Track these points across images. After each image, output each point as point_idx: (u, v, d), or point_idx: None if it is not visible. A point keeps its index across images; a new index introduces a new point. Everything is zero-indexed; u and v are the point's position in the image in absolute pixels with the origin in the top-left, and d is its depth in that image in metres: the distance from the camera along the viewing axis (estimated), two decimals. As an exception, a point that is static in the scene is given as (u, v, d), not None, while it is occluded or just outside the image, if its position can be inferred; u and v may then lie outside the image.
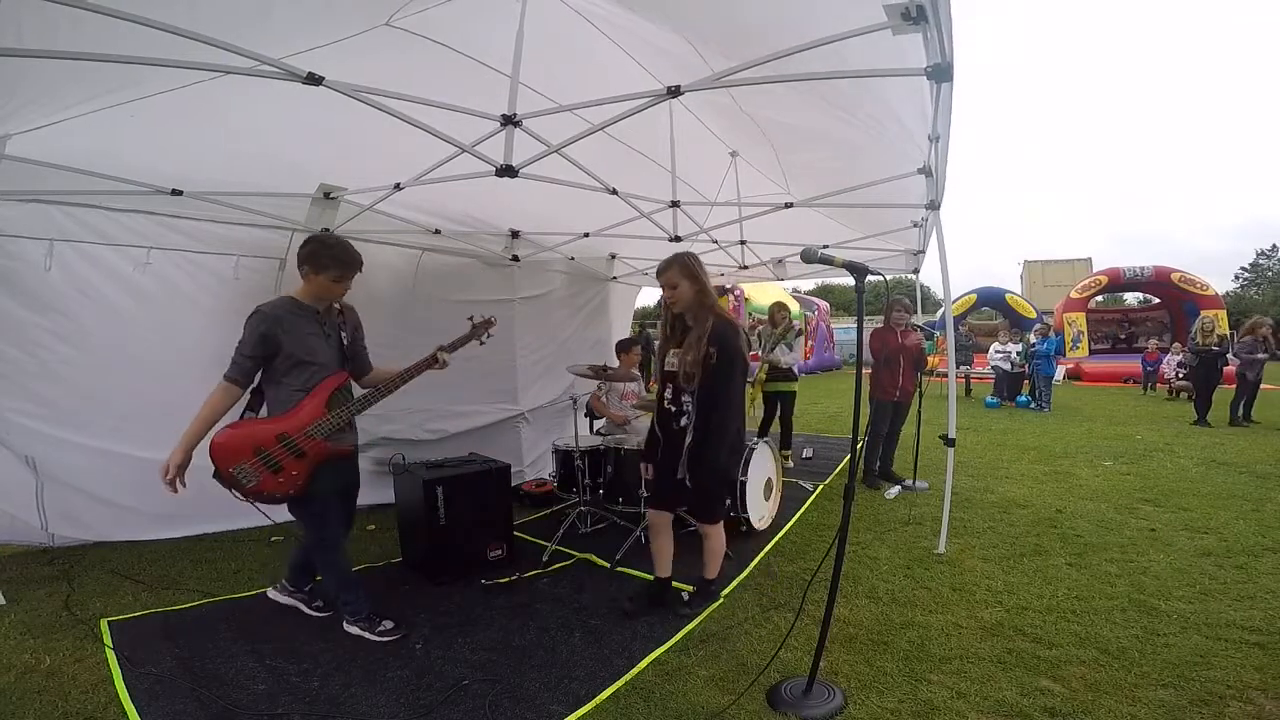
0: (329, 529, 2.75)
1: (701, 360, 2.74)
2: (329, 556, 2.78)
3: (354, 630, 2.79)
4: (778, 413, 6.21)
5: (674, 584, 3.12)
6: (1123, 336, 18.21)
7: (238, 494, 2.53)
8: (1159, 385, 13.18)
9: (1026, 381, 11.55)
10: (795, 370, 6.19)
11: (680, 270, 2.84)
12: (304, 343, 2.61)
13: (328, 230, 3.86)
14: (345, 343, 2.78)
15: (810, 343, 18.54)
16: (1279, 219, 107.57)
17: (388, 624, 2.80)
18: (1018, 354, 12.01)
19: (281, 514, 3.19)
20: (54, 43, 1.93)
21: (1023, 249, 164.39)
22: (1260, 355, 8.72)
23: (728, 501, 3.40)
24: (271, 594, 3.13)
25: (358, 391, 2.83)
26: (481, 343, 3.12)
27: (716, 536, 3.02)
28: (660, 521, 3.04)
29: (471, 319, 3.15)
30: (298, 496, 2.61)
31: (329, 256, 2.63)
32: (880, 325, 5.55)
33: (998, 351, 12.35)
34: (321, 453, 2.61)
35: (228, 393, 2.54)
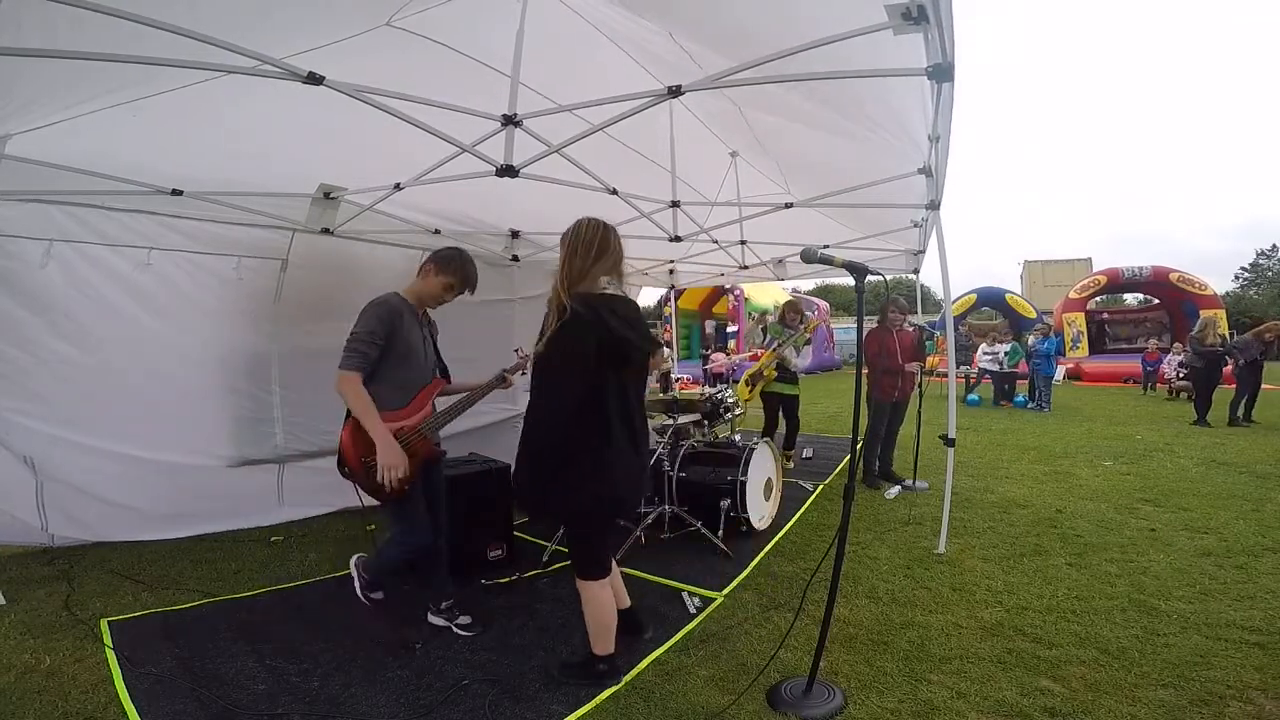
0: (418, 529, 2.71)
1: (540, 354, 2.25)
2: (398, 554, 2.75)
3: (377, 596, 2.84)
4: (779, 414, 6.19)
5: (684, 588, 3.11)
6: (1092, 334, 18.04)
7: (360, 487, 2.55)
8: (1159, 385, 13.19)
9: (1024, 381, 11.57)
10: (798, 374, 6.18)
11: (562, 237, 2.38)
12: (413, 338, 2.66)
13: (328, 230, 3.87)
14: (434, 345, 2.83)
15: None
16: (1279, 219, 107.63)
17: (379, 594, 2.84)
18: (1005, 353, 12.09)
19: (283, 515, 3.19)
20: (54, 42, 1.92)
21: (1023, 249, 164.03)
22: (1242, 359, 8.80)
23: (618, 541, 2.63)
24: (431, 618, 2.94)
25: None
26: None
27: (587, 597, 2.33)
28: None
29: (518, 351, 3.16)
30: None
31: (467, 266, 2.76)
32: (875, 326, 5.54)
33: (986, 354, 12.45)
34: (426, 452, 2.62)
35: (358, 381, 2.49)
